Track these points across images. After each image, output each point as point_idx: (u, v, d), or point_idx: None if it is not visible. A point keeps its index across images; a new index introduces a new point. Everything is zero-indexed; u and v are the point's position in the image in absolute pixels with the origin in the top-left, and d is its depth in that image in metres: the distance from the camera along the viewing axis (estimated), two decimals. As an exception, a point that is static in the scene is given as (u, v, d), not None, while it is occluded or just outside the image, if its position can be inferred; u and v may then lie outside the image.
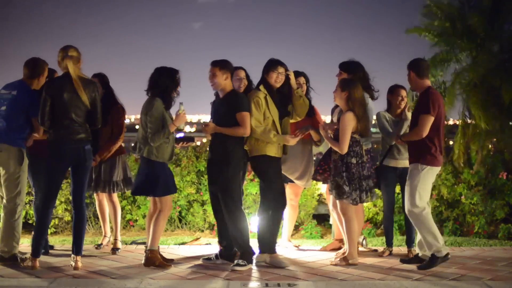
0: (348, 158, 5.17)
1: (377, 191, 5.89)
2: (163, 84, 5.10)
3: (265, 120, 5.18)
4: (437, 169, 5.14)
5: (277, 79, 5.26)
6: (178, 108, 5.15)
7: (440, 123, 5.08)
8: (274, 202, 5.22)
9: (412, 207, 5.06)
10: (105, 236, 6.00)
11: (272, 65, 5.28)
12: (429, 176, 5.07)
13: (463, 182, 7.33)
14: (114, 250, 5.79)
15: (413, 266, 5.20)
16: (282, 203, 5.29)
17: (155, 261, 5.11)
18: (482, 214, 7.13)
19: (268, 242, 5.24)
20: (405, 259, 5.41)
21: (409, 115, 5.51)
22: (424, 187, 5.05)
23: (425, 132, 5.00)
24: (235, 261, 5.07)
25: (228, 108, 5.09)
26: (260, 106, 5.17)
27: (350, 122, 5.10)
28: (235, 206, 5.10)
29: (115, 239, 5.89)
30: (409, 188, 5.09)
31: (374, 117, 5.67)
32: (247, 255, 5.11)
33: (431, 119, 4.99)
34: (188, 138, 5.53)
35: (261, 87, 5.26)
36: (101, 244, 5.95)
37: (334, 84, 5.52)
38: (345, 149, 5.13)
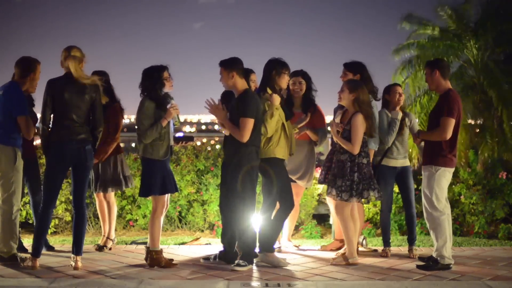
0: (359, 159, 5.18)
1: None
2: (149, 84, 5.09)
3: (276, 123, 5.17)
4: (451, 170, 5.14)
5: (286, 81, 5.33)
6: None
7: (457, 126, 5.07)
8: (282, 202, 5.24)
9: (432, 210, 5.07)
10: (107, 238, 5.96)
11: (285, 66, 5.29)
12: (443, 178, 5.07)
13: (462, 181, 7.34)
14: (101, 247, 5.82)
15: (413, 266, 5.21)
16: (291, 203, 5.30)
17: (160, 261, 5.11)
18: (482, 214, 7.14)
19: (267, 241, 5.25)
20: (423, 263, 5.23)
21: (399, 114, 5.59)
22: (439, 189, 5.06)
23: (449, 134, 5.00)
24: (236, 261, 5.07)
25: (237, 108, 5.04)
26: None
27: (362, 123, 5.12)
28: (244, 208, 5.06)
29: (107, 238, 5.90)
30: (427, 192, 5.09)
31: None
32: (248, 256, 5.10)
33: (452, 122, 5.00)
34: (187, 138, 5.50)
35: (269, 90, 5.24)
36: (104, 246, 5.89)
37: (334, 84, 5.51)
38: (357, 150, 5.15)
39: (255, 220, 5.44)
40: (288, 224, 6.10)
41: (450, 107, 5.02)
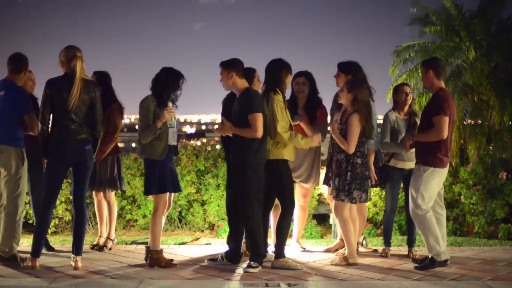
0: (354, 158, 5.19)
1: (374, 190, 5.91)
2: (162, 82, 5.12)
3: (287, 125, 5.15)
4: (442, 171, 5.10)
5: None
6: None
7: (450, 126, 5.06)
8: (284, 203, 5.22)
9: (416, 208, 5.07)
10: (108, 238, 5.96)
11: (290, 67, 5.30)
12: (432, 178, 5.04)
13: (462, 181, 7.34)
14: (101, 247, 5.82)
15: (413, 266, 5.20)
16: (292, 204, 5.27)
17: (160, 261, 5.11)
18: (482, 214, 7.14)
19: (277, 246, 5.20)
20: (418, 265, 5.20)
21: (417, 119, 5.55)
22: (426, 189, 5.04)
23: (445, 133, 4.97)
24: (248, 263, 5.02)
25: (241, 108, 5.01)
26: (283, 110, 5.14)
27: (358, 123, 5.12)
28: (252, 211, 5.01)
29: (107, 238, 5.90)
30: (413, 190, 5.10)
31: (380, 117, 5.66)
32: (259, 256, 5.05)
33: (446, 120, 4.98)
34: (199, 134, 5.52)
35: (278, 90, 5.21)
36: (104, 246, 5.89)
37: (334, 84, 5.50)
38: (352, 149, 5.16)
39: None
40: (298, 225, 6.07)
41: (441, 105, 5.00)
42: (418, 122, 5.64)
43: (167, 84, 5.12)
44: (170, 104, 5.11)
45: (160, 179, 5.11)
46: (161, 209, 5.17)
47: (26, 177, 5.24)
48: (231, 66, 5.06)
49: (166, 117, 5.05)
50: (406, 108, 5.68)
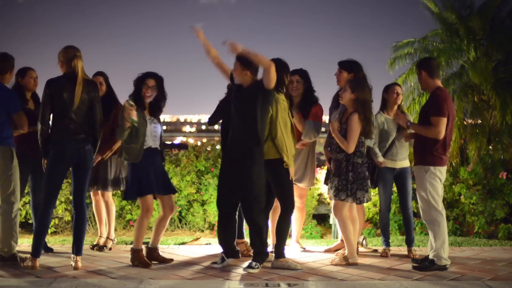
0: (354, 158, 5.19)
1: (373, 191, 5.90)
2: (135, 87, 5.19)
3: (286, 125, 5.14)
4: (442, 169, 5.11)
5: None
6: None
7: (449, 125, 5.06)
8: (283, 203, 5.20)
9: (430, 210, 5.06)
10: (107, 238, 5.96)
11: (289, 69, 5.33)
12: (434, 176, 5.05)
13: (462, 181, 7.34)
14: (101, 247, 5.81)
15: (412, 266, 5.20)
16: (292, 205, 5.25)
17: (134, 260, 5.14)
18: (482, 214, 7.14)
19: (277, 246, 5.19)
20: (417, 265, 5.17)
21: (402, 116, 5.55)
22: (435, 189, 5.05)
23: (442, 133, 4.99)
24: (248, 262, 5.00)
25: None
26: (285, 110, 5.14)
27: (358, 123, 5.12)
28: (259, 208, 4.99)
29: (107, 238, 5.90)
30: (423, 193, 5.08)
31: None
32: (261, 256, 5.03)
33: (444, 121, 4.99)
34: (182, 146, 5.50)
35: (280, 89, 5.19)
36: (104, 246, 5.89)
37: (333, 84, 5.50)
38: (352, 149, 5.15)
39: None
40: (296, 226, 6.06)
41: (439, 106, 5.01)
42: (408, 123, 5.59)
43: (137, 87, 5.17)
44: (126, 104, 5.05)
45: (139, 183, 5.10)
46: (143, 212, 5.15)
47: (17, 175, 5.22)
48: (248, 64, 4.97)
49: (125, 116, 5.01)
50: (395, 108, 5.69)
